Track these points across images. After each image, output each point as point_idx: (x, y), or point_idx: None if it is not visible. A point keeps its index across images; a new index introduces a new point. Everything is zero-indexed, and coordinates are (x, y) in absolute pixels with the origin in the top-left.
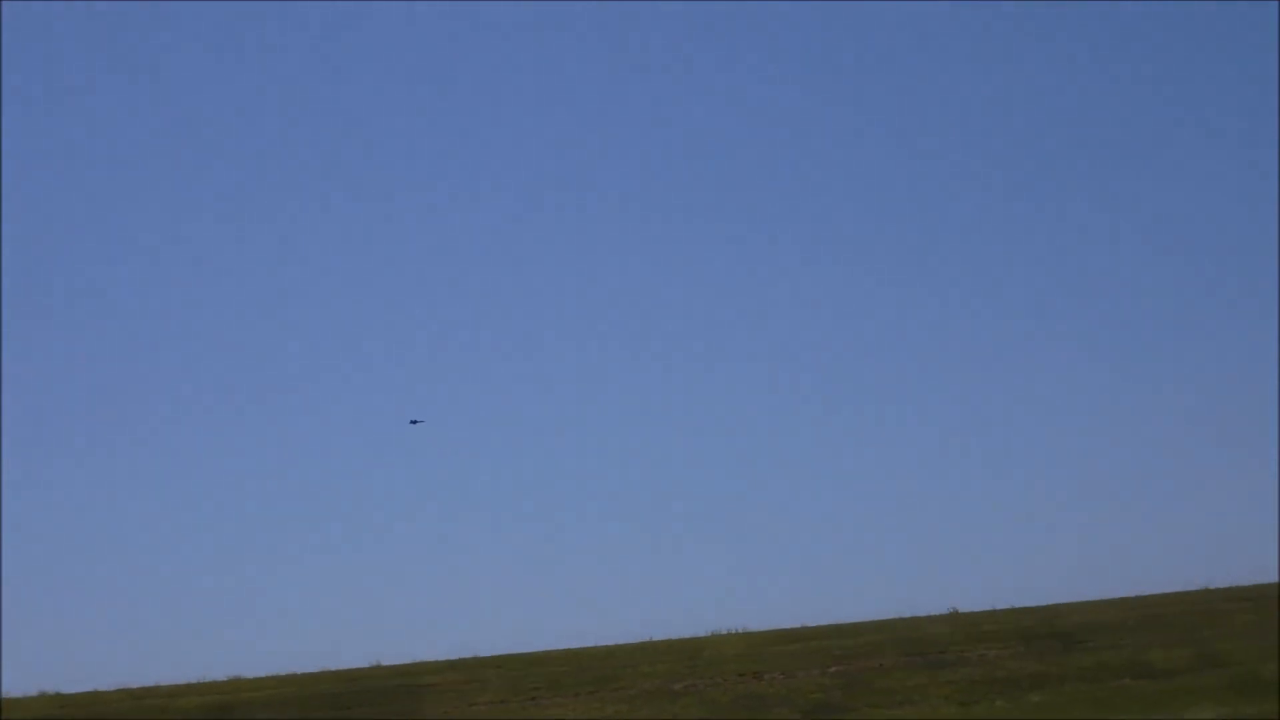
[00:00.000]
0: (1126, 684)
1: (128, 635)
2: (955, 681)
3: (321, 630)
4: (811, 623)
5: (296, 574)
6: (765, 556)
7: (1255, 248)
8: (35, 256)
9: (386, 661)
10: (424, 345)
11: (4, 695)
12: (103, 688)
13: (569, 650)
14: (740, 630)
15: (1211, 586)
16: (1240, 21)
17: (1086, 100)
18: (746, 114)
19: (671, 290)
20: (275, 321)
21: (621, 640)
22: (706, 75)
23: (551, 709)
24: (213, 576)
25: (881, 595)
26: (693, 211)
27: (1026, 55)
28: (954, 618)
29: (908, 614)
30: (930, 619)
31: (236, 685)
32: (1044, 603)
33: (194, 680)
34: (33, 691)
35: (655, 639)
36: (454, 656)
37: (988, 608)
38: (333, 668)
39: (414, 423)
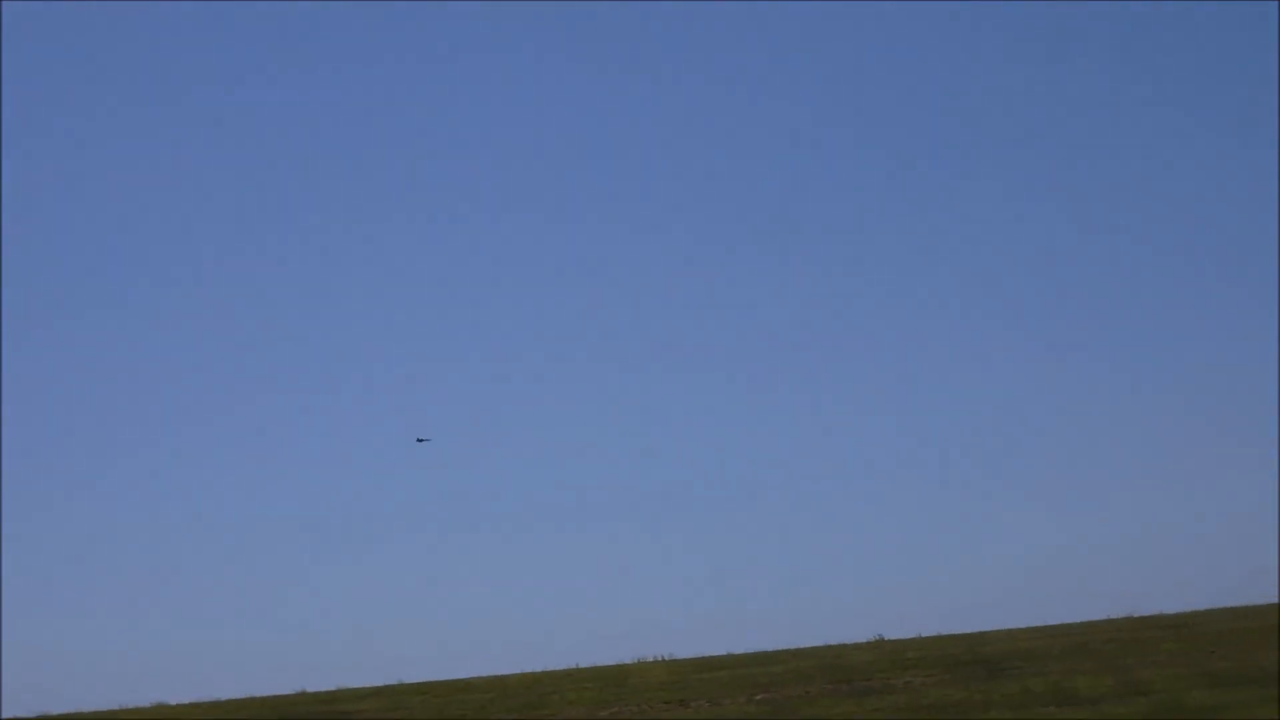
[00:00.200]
0: (1051, 711)
1: (49, 662)
2: (882, 709)
3: (247, 657)
4: (736, 650)
5: (222, 600)
6: (689, 583)
7: (1253, 249)
8: (36, 257)
9: (311, 688)
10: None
11: None
12: (17, 714)
13: (494, 677)
14: (665, 658)
15: (1135, 615)
16: (1240, 21)
17: (1086, 100)
18: (747, 113)
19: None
20: (232, 337)
21: (547, 667)
22: (707, 75)
23: None
24: (137, 603)
25: (805, 622)
26: (693, 219)
27: (1026, 55)
28: (879, 645)
29: (833, 641)
30: (855, 646)
31: (160, 711)
32: (969, 630)
33: (117, 707)
34: None
35: (580, 666)
36: (379, 683)
37: (913, 635)
38: (258, 694)
39: (420, 440)
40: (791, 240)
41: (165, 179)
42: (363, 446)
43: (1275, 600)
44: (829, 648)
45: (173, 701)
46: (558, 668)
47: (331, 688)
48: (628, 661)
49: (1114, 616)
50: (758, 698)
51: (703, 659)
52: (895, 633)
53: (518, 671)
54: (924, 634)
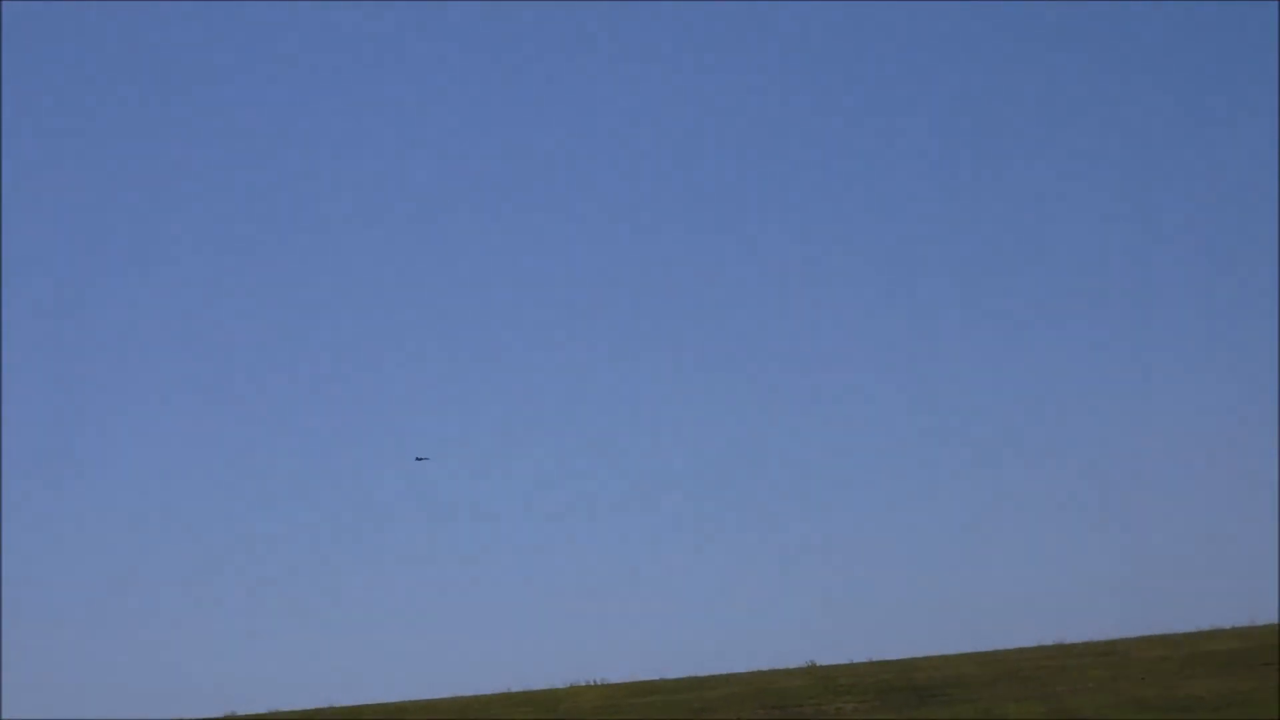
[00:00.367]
0: None
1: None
2: None
3: (177, 677)
4: (669, 675)
5: (151, 621)
6: (620, 608)
7: (1249, 251)
8: (36, 257)
9: (241, 710)
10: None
11: None
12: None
13: (426, 701)
14: (598, 682)
15: (1065, 642)
16: (1240, 21)
17: (1086, 100)
18: (748, 113)
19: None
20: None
21: (479, 691)
22: (705, 75)
23: None
24: (68, 627)
25: (737, 647)
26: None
27: (1026, 55)
28: (811, 671)
29: (764, 667)
30: (787, 672)
31: None
32: (901, 656)
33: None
34: None
35: (513, 690)
36: (310, 707)
37: (845, 660)
38: (186, 717)
39: (419, 459)
40: (788, 240)
41: (166, 179)
42: (285, 469)
43: (1204, 628)
44: (761, 673)
45: None
46: (490, 691)
47: (261, 710)
48: (560, 686)
49: (1044, 643)
50: None
51: (636, 683)
52: (827, 658)
53: (450, 695)
54: (856, 660)
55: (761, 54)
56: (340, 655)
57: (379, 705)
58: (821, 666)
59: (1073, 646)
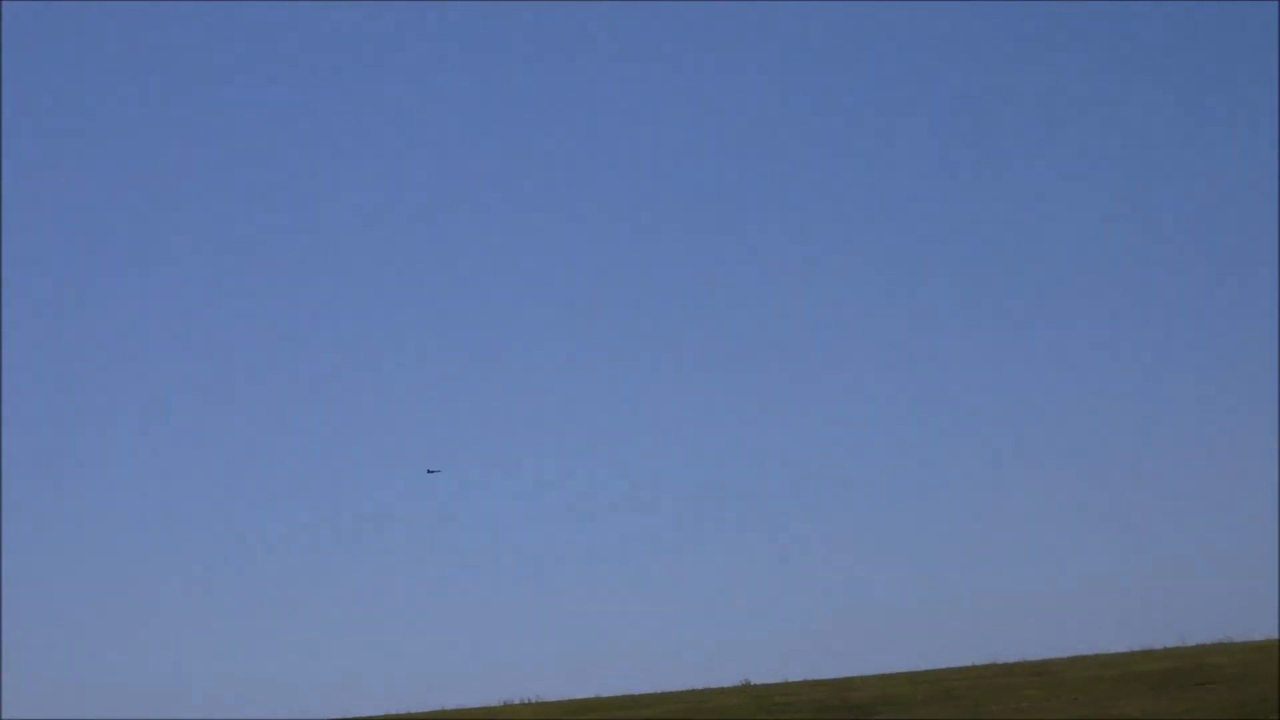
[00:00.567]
0: None
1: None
2: None
3: (177, 677)
4: (603, 693)
5: (152, 621)
6: (553, 626)
7: (1250, 252)
8: (36, 257)
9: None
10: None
11: None
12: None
13: (362, 719)
14: (533, 700)
15: (999, 661)
16: (1240, 21)
17: (1086, 100)
18: (747, 114)
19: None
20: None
21: (411, 710)
22: (705, 75)
23: None
24: (68, 627)
25: (670, 664)
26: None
27: (1026, 55)
28: (746, 689)
29: (698, 685)
30: (722, 690)
31: None
32: (836, 675)
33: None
34: None
35: (448, 708)
36: None
37: (780, 679)
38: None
39: (431, 472)
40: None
41: (166, 179)
42: (232, 482)
43: (1136, 648)
44: (696, 691)
45: None
46: (423, 710)
47: None
48: (494, 704)
49: (978, 663)
50: None
51: (571, 701)
52: (762, 677)
53: (382, 714)
54: (790, 679)
55: (761, 54)
56: (273, 674)
57: None
58: (756, 685)
59: (1006, 666)
